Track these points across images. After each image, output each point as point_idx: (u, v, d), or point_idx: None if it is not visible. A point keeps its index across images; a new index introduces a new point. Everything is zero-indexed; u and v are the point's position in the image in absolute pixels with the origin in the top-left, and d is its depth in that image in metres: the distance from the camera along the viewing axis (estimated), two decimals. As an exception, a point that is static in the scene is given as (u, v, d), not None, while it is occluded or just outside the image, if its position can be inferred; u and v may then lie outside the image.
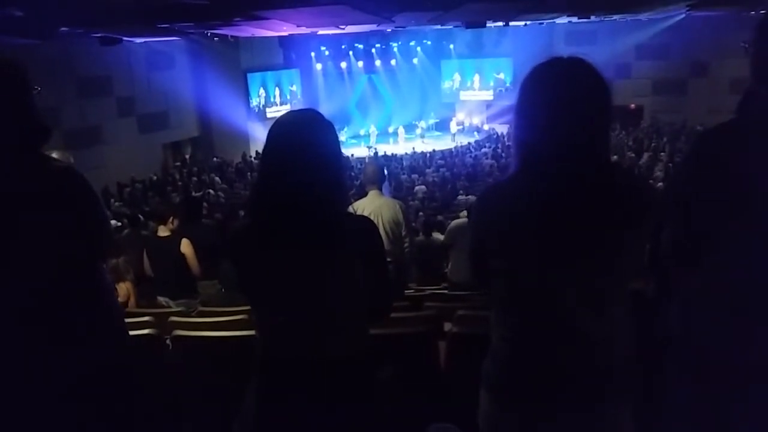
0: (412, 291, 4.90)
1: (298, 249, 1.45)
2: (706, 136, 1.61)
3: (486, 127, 24.25)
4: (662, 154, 14.11)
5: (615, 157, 13.29)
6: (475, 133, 24.04)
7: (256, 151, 18.29)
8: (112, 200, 12.56)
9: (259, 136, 18.74)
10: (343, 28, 14.66)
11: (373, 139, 23.48)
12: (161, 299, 4.56)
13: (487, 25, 14.76)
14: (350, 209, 1.60)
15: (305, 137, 1.45)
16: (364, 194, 4.44)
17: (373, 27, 16.01)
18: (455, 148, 20.65)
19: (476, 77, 24.63)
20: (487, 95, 24.57)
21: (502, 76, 23.73)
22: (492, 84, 24.24)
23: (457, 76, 25.10)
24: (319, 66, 23.68)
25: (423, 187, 12.67)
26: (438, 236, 6.49)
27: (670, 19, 17.65)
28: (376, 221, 4.04)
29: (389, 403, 1.66)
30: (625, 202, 1.33)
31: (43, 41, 9.87)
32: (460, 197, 10.98)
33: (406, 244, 4.43)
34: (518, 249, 1.38)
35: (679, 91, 19.31)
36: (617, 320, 1.39)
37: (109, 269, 4.08)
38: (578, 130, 1.32)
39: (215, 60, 18.25)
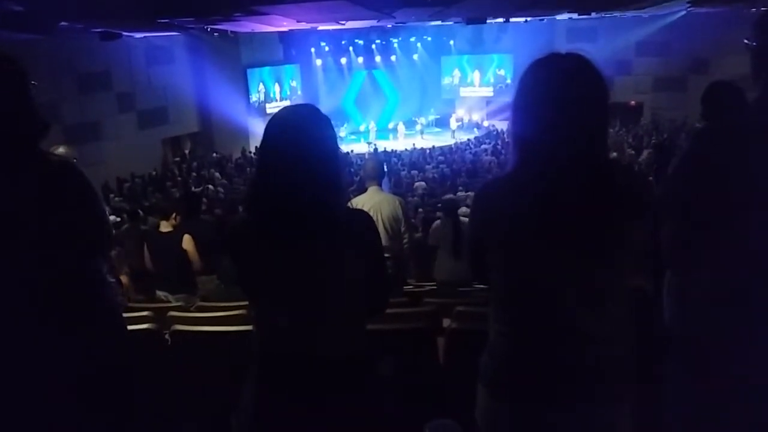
0: (411, 287, 4.91)
1: (296, 244, 1.45)
2: (704, 134, 1.61)
3: (486, 123, 24.23)
4: (662, 151, 14.08)
5: (614, 154, 13.28)
6: (475, 129, 24.03)
7: (256, 147, 18.24)
8: (112, 195, 12.56)
9: (258, 131, 18.21)
10: (344, 24, 14.64)
11: (372, 135, 23.45)
12: (161, 294, 4.57)
13: (488, 21, 14.72)
14: (349, 205, 1.60)
15: (302, 133, 1.44)
16: (364, 190, 4.44)
17: (373, 23, 15.97)
18: (455, 144, 20.61)
19: (476, 73, 24.58)
20: (487, 92, 24.54)
21: (502, 72, 23.69)
22: (492, 80, 24.20)
23: (457, 73, 25.05)
24: (319, 62, 23.67)
25: (423, 183, 12.63)
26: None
27: (671, 16, 17.61)
28: (375, 217, 4.04)
29: (388, 398, 1.66)
30: (623, 200, 1.33)
31: (43, 36, 9.85)
32: (459, 193, 10.96)
33: (405, 240, 4.44)
34: (516, 246, 1.38)
35: (679, 88, 19.25)
36: (616, 318, 1.39)
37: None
38: (576, 126, 1.32)
39: (215, 55, 18.23)
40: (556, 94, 1.32)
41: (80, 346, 1.71)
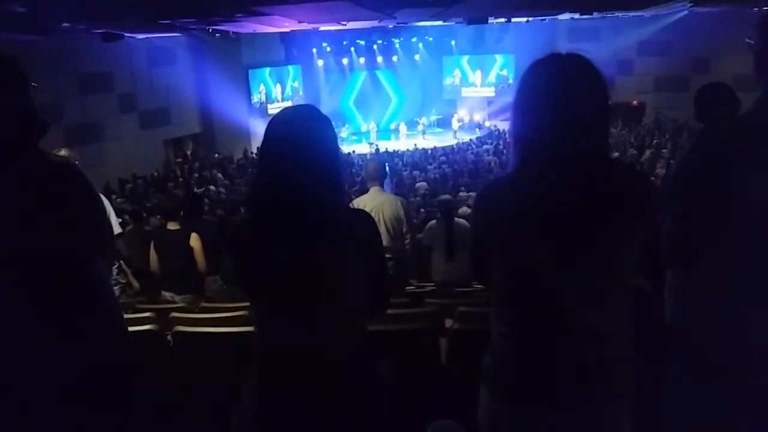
0: (412, 287, 4.90)
1: (297, 244, 1.45)
2: (709, 133, 1.61)
3: (487, 123, 24.21)
4: (664, 151, 14.08)
5: (616, 153, 13.28)
6: (477, 129, 24.01)
7: (258, 148, 18.28)
8: (114, 196, 12.56)
9: (260, 132, 18.29)
10: (345, 25, 14.64)
11: (374, 135, 23.45)
12: (166, 294, 4.56)
13: (489, 21, 14.69)
14: (351, 205, 1.60)
15: (303, 133, 1.45)
16: (366, 191, 4.45)
17: (374, 23, 15.97)
18: (457, 144, 20.62)
19: (478, 74, 24.57)
20: (489, 92, 24.51)
21: (504, 72, 23.68)
22: (494, 81, 24.19)
23: (458, 73, 25.04)
24: (320, 62, 23.67)
25: (424, 183, 12.63)
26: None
27: (673, 16, 17.58)
28: (377, 218, 4.05)
29: (390, 398, 1.66)
30: (625, 199, 1.33)
31: (45, 37, 9.86)
32: (461, 194, 10.96)
33: (407, 241, 4.44)
34: (517, 246, 1.38)
35: (681, 88, 19.21)
36: (616, 317, 1.39)
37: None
38: (577, 126, 1.31)
39: (217, 56, 18.22)
40: (557, 94, 1.32)
41: (80, 348, 1.70)
